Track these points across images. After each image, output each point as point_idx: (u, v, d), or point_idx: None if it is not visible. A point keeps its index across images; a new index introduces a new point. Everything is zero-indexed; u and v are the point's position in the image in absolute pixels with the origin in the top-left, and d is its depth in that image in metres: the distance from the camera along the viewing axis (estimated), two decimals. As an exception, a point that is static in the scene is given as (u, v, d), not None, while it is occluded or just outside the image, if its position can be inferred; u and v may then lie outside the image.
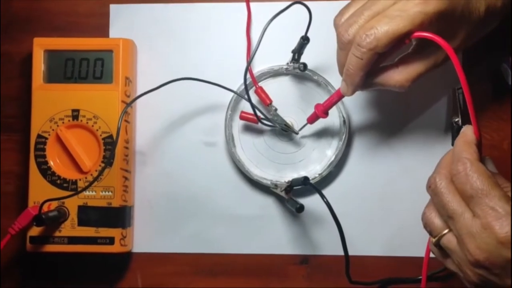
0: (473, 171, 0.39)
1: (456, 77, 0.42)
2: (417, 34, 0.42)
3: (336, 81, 0.57)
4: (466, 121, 0.56)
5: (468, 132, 0.42)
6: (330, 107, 0.53)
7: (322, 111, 0.53)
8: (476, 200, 0.38)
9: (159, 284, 0.59)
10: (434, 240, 0.43)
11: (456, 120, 0.56)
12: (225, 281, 0.59)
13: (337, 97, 0.52)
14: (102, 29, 0.60)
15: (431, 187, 0.42)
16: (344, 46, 0.45)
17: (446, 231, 0.41)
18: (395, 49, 0.45)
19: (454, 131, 0.56)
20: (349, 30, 0.44)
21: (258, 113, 0.56)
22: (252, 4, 0.58)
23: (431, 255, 0.47)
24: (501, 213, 0.37)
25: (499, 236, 0.37)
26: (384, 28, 0.42)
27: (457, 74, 0.41)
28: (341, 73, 0.48)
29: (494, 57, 0.57)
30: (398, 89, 0.47)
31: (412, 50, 0.47)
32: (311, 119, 0.55)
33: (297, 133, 0.58)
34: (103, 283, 0.59)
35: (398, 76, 0.47)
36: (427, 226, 0.44)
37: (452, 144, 0.56)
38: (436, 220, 0.42)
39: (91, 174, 0.56)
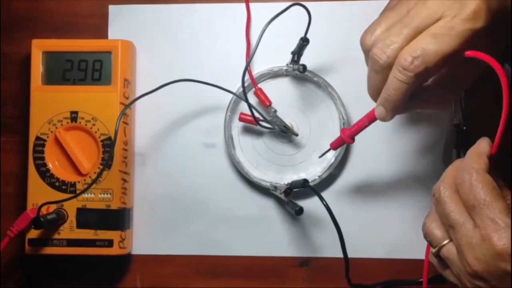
0: (478, 181, 0.39)
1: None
2: (470, 54, 0.39)
3: (336, 82, 0.57)
4: (467, 122, 0.56)
5: (482, 143, 0.41)
6: (358, 132, 0.50)
7: (348, 136, 0.50)
8: (478, 211, 0.38)
9: (158, 286, 0.59)
10: (434, 250, 0.42)
11: (457, 122, 0.56)
12: (225, 283, 0.59)
13: (369, 122, 0.48)
14: (101, 30, 0.60)
15: (435, 196, 0.42)
16: (381, 70, 0.41)
17: (446, 241, 0.41)
18: (439, 69, 0.41)
19: (457, 133, 0.56)
20: (388, 51, 0.40)
21: (257, 115, 0.56)
22: (251, 5, 0.58)
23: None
24: (501, 225, 0.37)
25: (496, 248, 0.37)
26: (432, 48, 0.39)
27: (503, 95, 0.39)
28: (373, 96, 0.45)
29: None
30: (440, 109, 0.44)
31: (450, 67, 0.43)
32: (336, 145, 0.52)
33: (296, 135, 0.57)
34: (102, 285, 0.59)
35: (439, 95, 0.44)
36: (427, 236, 0.43)
37: (456, 146, 0.56)
38: (437, 231, 0.42)
39: (90, 176, 0.56)
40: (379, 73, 0.42)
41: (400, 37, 0.40)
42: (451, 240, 0.41)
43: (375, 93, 0.44)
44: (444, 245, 0.41)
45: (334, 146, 0.53)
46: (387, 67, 0.41)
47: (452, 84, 0.44)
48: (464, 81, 0.44)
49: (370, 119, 0.48)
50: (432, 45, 0.39)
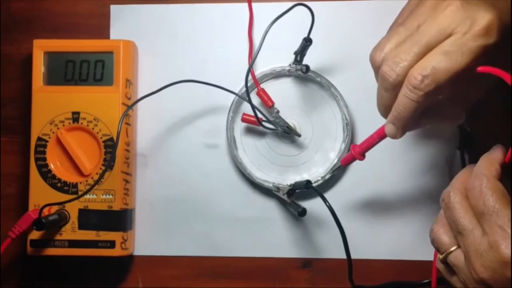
0: (488, 188, 0.38)
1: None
2: (482, 69, 0.38)
3: (339, 82, 0.57)
4: (470, 122, 0.56)
5: (496, 150, 0.41)
6: (369, 149, 0.49)
7: (359, 153, 0.50)
8: (487, 218, 0.38)
9: (160, 287, 0.59)
10: (441, 256, 0.42)
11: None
12: (227, 284, 0.58)
13: (379, 138, 0.48)
14: (103, 30, 0.60)
15: (445, 201, 0.41)
16: (391, 88, 0.40)
17: (454, 248, 0.41)
18: (451, 86, 0.40)
19: (460, 134, 0.56)
20: (397, 69, 0.39)
21: (260, 115, 0.55)
22: (254, 5, 0.58)
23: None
24: (509, 233, 0.37)
25: (504, 255, 0.36)
26: (443, 66, 0.38)
27: None
28: (383, 113, 0.44)
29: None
30: (451, 123, 0.43)
31: (461, 83, 0.41)
32: (346, 161, 0.52)
33: (299, 135, 0.57)
34: (104, 286, 0.59)
35: (450, 110, 0.43)
36: (435, 242, 0.43)
37: (459, 147, 0.56)
38: (444, 237, 0.42)
39: (92, 177, 0.56)
40: (388, 91, 0.41)
41: (410, 55, 0.39)
42: (459, 246, 0.40)
43: (385, 110, 0.43)
44: (451, 251, 0.41)
45: (344, 162, 0.52)
46: (397, 85, 0.40)
47: (463, 98, 0.43)
48: (475, 95, 0.43)
49: (380, 136, 0.47)
50: (443, 63, 0.38)
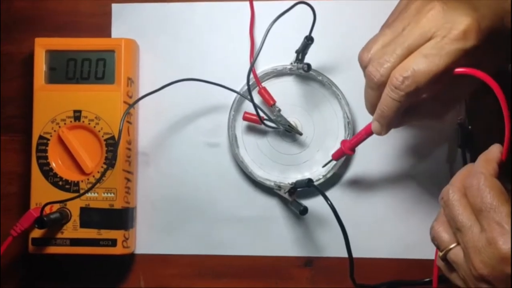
0: (486, 185, 0.39)
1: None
2: (458, 71, 0.40)
3: (340, 81, 0.57)
4: (471, 120, 0.56)
5: (493, 149, 0.41)
6: (358, 144, 0.52)
7: (348, 148, 0.52)
8: (485, 214, 0.38)
9: (161, 285, 0.59)
10: (441, 254, 0.42)
11: (461, 120, 0.56)
12: (228, 283, 0.58)
13: (366, 135, 0.50)
14: (104, 29, 0.60)
15: (444, 199, 0.42)
16: (376, 87, 0.43)
17: (453, 245, 0.41)
18: (432, 87, 0.42)
19: (461, 132, 0.56)
20: (381, 70, 0.42)
21: (262, 114, 0.55)
22: (255, 4, 0.58)
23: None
24: (506, 229, 0.37)
25: (502, 251, 0.37)
26: (422, 68, 0.40)
27: (501, 106, 0.40)
28: (370, 111, 0.46)
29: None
30: (435, 121, 0.45)
31: (443, 84, 0.43)
32: (337, 156, 0.54)
33: (301, 134, 0.57)
34: (106, 284, 0.59)
35: (434, 108, 0.45)
36: (435, 240, 0.43)
37: (459, 145, 0.56)
38: (444, 234, 0.42)
39: (93, 176, 0.56)
40: (374, 90, 0.43)
41: (393, 56, 0.41)
42: (458, 243, 0.41)
43: (371, 108, 0.45)
44: (451, 248, 0.41)
45: (335, 157, 0.55)
46: (381, 85, 0.42)
47: (448, 98, 0.45)
48: (460, 95, 0.46)
49: (367, 132, 0.50)
50: (422, 65, 0.40)
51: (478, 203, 0.39)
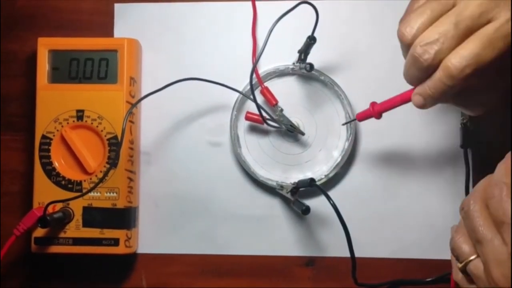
0: (508, 196, 0.37)
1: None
2: None
3: (342, 81, 0.57)
4: (474, 122, 0.56)
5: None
6: (388, 109, 0.48)
7: (377, 112, 0.48)
8: (506, 227, 0.36)
9: (164, 285, 0.59)
10: (460, 265, 0.41)
11: (465, 121, 0.56)
12: (230, 282, 0.59)
13: (401, 102, 0.46)
14: (107, 28, 0.60)
15: (464, 209, 0.40)
16: (425, 69, 0.39)
17: (473, 256, 0.39)
18: (488, 73, 0.38)
19: (463, 132, 0.56)
20: (433, 53, 0.38)
21: (264, 114, 0.55)
22: (258, 4, 0.58)
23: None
24: None
25: None
26: (487, 57, 0.36)
27: None
28: (411, 83, 0.42)
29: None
30: (476, 113, 0.42)
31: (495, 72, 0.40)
32: (362, 116, 0.50)
33: (303, 134, 0.57)
34: (108, 284, 0.59)
35: (483, 98, 0.41)
36: (455, 250, 0.41)
37: (462, 145, 0.56)
38: (464, 246, 0.40)
39: (96, 175, 0.56)
40: (421, 71, 0.40)
41: (448, 38, 0.37)
42: (478, 255, 0.39)
43: (414, 83, 0.42)
44: (471, 260, 0.40)
45: (359, 117, 0.51)
46: (431, 68, 0.39)
47: (492, 88, 0.41)
48: (502, 86, 0.42)
49: (403, 100, 0.45)
50: (487, 52, 0.36)
51: (500, 216, 0.37)
